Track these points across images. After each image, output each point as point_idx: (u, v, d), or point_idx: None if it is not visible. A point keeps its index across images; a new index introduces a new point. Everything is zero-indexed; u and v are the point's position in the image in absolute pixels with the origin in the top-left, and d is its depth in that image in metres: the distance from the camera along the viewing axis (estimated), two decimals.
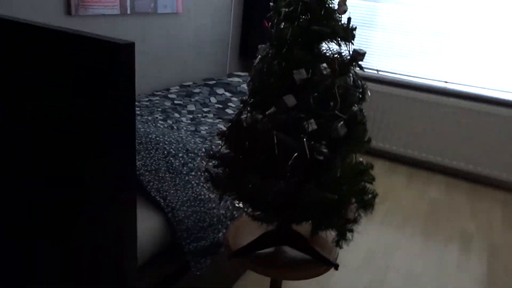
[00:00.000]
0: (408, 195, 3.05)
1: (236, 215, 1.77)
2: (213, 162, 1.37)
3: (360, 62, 1.25)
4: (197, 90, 2.91)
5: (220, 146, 1.36)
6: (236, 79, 3.22)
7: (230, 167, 1.31)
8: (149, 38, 2.87)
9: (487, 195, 3.15)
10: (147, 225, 1.51)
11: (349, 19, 1.24)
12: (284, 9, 1.18)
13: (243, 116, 1.25)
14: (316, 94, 1.16)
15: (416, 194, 3.08)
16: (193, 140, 2.03)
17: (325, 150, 1.16)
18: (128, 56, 0.91)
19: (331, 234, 1.37)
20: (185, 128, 2.29)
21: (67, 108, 1.05)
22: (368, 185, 1.29)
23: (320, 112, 1.18)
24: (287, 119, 1.17)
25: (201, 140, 2.10)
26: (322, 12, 1.17)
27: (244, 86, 3.09)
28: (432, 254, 2.37)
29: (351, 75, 1.22)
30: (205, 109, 2.70)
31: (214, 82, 3.07)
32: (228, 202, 1.78)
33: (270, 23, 1.25)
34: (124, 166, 1.01)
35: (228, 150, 1.34)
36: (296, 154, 1.15)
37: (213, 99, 2.85)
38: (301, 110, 1.17)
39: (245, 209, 1.39)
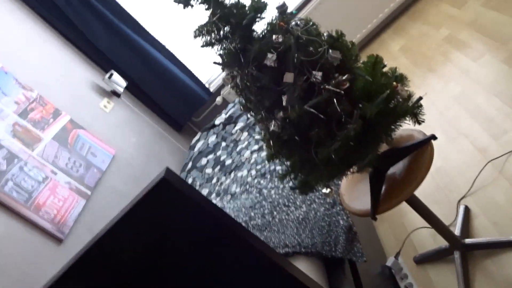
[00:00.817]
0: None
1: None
2: (290, 177, 1.41)
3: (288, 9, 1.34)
4: (190, 179, 2.93)
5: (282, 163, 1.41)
6: (200, 143, 3.27)
7: (302, 159, 1.34)
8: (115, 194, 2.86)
9: None
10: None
11: None
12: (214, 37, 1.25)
13: (272, 127, 1.31)
14: (296, 55, 1.24)
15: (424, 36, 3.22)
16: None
17: (342, 78, 1.23)
18: None
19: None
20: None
21: None
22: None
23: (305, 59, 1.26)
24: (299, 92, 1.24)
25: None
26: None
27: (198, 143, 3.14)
28: None
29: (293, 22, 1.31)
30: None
31: (189, 164, 3.10)
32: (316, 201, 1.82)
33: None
34: None
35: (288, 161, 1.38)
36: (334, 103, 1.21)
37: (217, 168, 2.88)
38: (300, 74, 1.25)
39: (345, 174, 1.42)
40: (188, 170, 3.07)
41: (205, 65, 3.90)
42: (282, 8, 1.32)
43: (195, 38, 1.36)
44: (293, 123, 1.26)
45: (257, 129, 2.69)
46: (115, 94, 3.54)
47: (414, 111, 1.28)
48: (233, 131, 2.96)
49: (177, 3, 1.32)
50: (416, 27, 3.24)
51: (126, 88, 3.76)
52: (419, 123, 1.35)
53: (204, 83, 3.90)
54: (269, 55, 1.25)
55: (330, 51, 1.23)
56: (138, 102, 3.79)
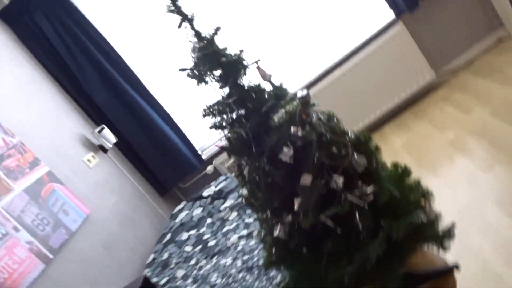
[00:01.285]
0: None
1: None
2: None
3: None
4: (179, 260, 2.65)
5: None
6: (183, 213, 3.03)
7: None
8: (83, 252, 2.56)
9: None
10: None
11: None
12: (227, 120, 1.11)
13: (277, 232, 1.12)
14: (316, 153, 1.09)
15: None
16: None
17: (369, 189, 1.08)
18: None
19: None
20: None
21: None
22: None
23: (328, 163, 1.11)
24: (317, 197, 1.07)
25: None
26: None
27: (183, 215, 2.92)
28: None
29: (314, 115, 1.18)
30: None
31: (168, 236, 2.85)
32: None
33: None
34: None
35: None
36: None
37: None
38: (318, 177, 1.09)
39: None
40: (165, 243, 2.80)
41: (201, 130, 3.78)
42: (304, 99, 1.20)
43: (203, 117, 1.21)
44: (303, 231, 1.08)
45: (249, 211, 2.49)
46: (102, 149, 3.35)
47: (443, 239, 1.12)
48: (222, 207, 2.75)
49: (190, 78, 1.19)
50: (420, 125, 3.19)
51: (115, 144, 3.58)
52: (444, 250, 1.18)
53: (197, 149, 3.75)
54: (286, 150, 1.10)
55: (356, 155, 1.09)
56: (124, 160, 3.59)
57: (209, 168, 3.66)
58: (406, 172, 1.15)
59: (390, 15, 3.33)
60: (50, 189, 2.61)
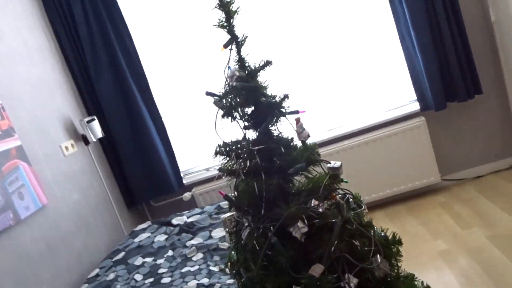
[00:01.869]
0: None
1: None
2: None
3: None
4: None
5: None
6: (145, 234, 2.77)
7: None
8: (24, 247, 2.27)
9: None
10: None
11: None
12: (241, 168, 0.92)
13: None
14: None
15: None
16: None
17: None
18: None
19: None
20: None
21: None
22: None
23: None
24: None
25: None
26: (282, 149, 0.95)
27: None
28: None
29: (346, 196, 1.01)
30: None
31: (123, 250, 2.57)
32: None
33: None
34: None
35: None
36: None
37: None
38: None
39: None
40: (115, 261, 2.52)
41: (189, 153, 3.58)
42: (336, 171, 1.03)
43: (215, 156, 1.03)
44: None
45: (216, 257, 2.26)
46: (84, 139, 3.12)
47: None
48: (188, 243, 2.51)
49: (217, 107, 1.01)
50: (412, 223, 3.05)
51: (99, 139, 3.35)
52: None
53: (180, 171, 3.54)
54: (300, 224, 0.91)
55: (379, 258, 0.91)
56: (103, 158, 3.35)
57: (186, 195, 3.44)
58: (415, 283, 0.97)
59: (416, 105, 3.28)
60: (13, 166, 2.35)
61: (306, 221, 0.93)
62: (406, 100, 3.35)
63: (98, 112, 3.29)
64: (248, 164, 0.98)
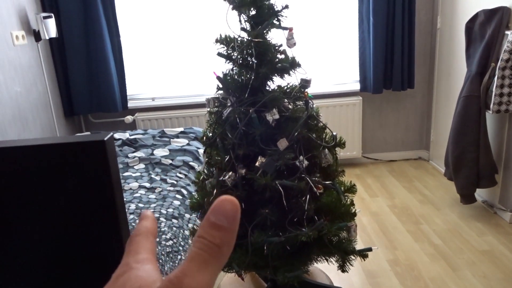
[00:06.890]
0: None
1: None
2: None
3: None
4: None
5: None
6: None
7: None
8: None
9: None
10: None
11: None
12: (237, 57, 1.11)
13: (226, 177, 1.12)
14: (298, 130, 1.13)
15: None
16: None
17: (321, 181, 1.14)
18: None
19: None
20: None
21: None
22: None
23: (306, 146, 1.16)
24: (281, 164, 1.10)
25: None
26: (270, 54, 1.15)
27: None
28: None
29: (309, 102, 1.24)
30: None
31: None
32: None
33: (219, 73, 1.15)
34: None
35: None
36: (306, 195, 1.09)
37: None
38: (288, 150, 1.13)
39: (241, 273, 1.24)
40: None
41: (141, 79, 3.61)
42: (305, 83, 1.25)
43: (215, 43, 1.19)
44: (251, 188, 1.10)
45: (158, 170, 2.41)
46: (36, 35, 3.02)
47: (356, 256, 1.21)
48: (130, 155, 2.61)
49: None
50: None
51: (51, 39, 3.26)
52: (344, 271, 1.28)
53: (128, 94, 3.56)
54: (274, 110, 1.13)
55: (327, 151, 1.16)
56: (50, 61, 3.26)
57: (129, 118, 3.49)
58: (353, 189, 1.25)
59: (357, 85, 3.63)
60: None
61: (276, 111, 1.15)
62: (351, 79, 3.70)
63: (56, 11, 3.19)
64: (242, 56, 1.16)
